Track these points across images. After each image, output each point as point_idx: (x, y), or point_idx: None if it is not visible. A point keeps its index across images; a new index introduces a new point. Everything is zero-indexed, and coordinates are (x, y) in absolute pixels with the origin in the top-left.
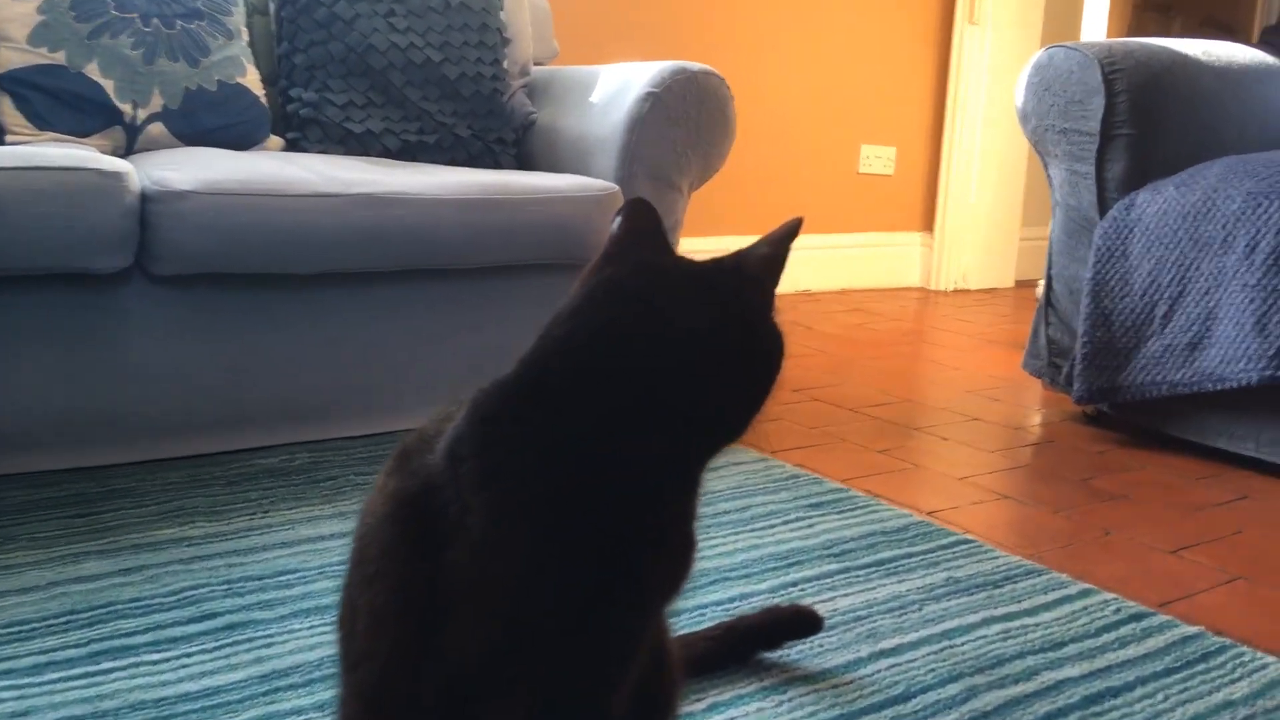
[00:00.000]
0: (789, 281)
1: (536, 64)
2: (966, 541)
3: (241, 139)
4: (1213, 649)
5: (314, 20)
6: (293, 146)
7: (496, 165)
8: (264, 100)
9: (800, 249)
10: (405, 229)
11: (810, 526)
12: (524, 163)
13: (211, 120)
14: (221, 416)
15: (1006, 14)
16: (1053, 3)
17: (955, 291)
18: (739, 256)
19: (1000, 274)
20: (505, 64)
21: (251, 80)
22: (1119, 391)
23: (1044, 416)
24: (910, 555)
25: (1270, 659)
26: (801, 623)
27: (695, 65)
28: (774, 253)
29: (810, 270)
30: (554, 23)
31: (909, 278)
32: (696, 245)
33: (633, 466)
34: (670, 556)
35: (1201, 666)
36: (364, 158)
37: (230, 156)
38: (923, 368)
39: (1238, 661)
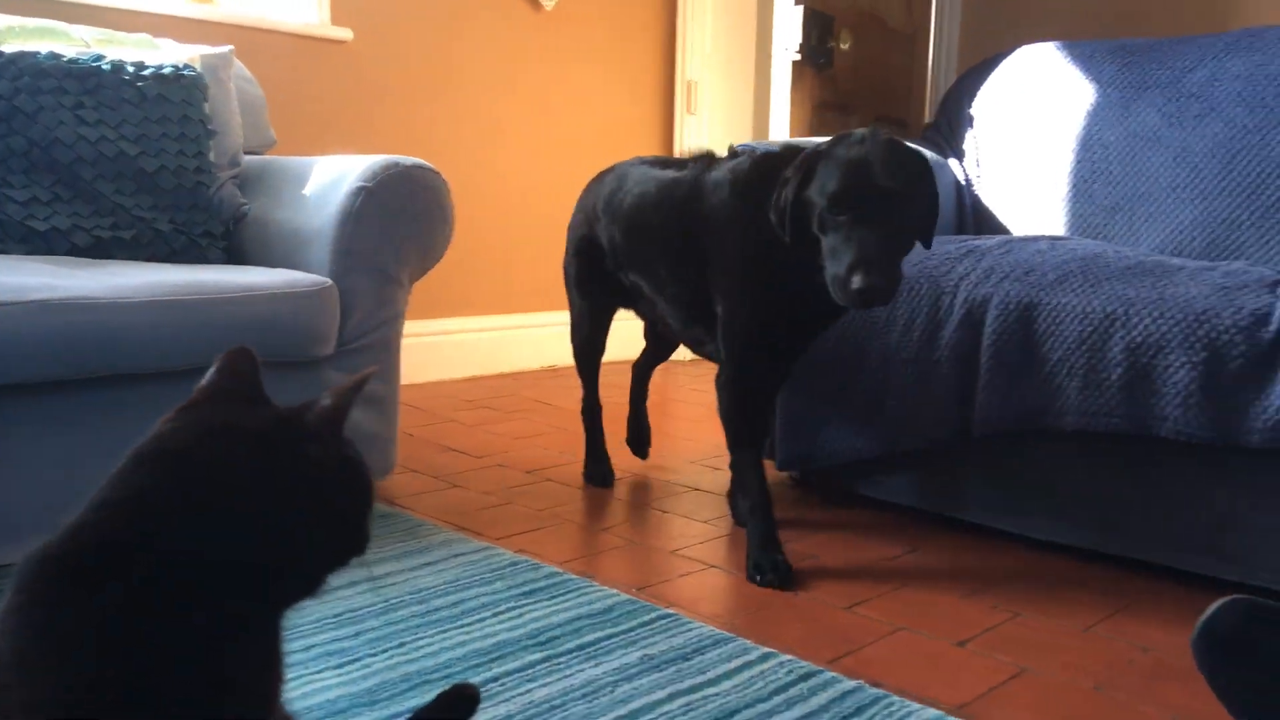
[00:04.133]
0: (534, 358)
1: (251, 153)
2: (666, 616)
3: None
4: (867, 701)
5: None
6: None
7: (203, 260)
8: None
9: (543, 325)
10: (89, 335)
11: (520, 616)
12: (235, 256)
13: None
14: None
15: (719, 105)
16: (761, 93)
17: (691, 361)
18: (302, 410)
19: None
20: (211, 155)
21: None
22: (813, 459)
23: None
24: (612, 636)
25: (915, 705)
26: (459, 702)
27: (408, 159)
28: (337, 404)
29: (553, 346)
30: (274, 112)
31: None
32: (449, 325)
33: (190, 645)
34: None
35: (855, 719)
36: (48, 257)
37: None
38: (657, 441)
39: (888, 711)
